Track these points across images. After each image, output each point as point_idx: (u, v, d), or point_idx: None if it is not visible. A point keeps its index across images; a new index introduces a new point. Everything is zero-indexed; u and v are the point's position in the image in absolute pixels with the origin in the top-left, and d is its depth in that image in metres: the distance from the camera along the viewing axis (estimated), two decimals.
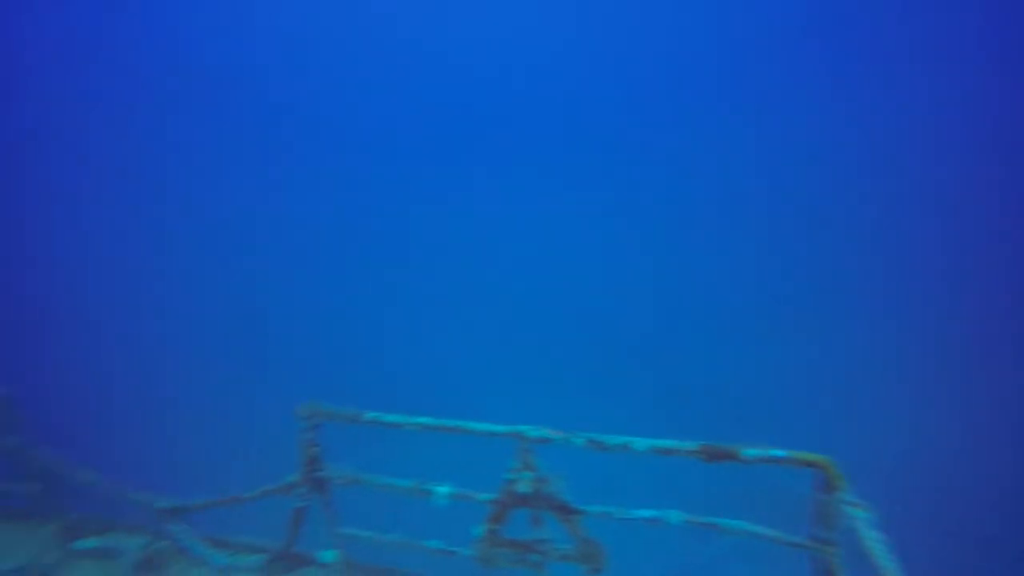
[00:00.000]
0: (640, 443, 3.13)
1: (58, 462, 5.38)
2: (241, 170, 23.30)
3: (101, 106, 23.22)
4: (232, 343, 16.83)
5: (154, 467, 7.66)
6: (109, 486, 5.23)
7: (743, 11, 24.40)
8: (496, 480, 3.68)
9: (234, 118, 24.37)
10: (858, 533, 2.53)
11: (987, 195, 18.59)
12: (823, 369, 15.01)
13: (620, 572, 3.67)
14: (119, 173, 22.18)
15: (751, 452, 2.90)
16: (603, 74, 25.98)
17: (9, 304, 16.85)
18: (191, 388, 14.35)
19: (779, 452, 2.83)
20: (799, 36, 23.51)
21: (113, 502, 5.31)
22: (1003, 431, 12.04)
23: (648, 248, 20.51)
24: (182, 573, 4.93)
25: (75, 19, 23.85)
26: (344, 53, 26.75)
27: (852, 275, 18.32)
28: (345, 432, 4.11)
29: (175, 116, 23.70)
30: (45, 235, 20.30)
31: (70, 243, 20.15)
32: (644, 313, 18.20)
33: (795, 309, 17.31)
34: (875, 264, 18.48)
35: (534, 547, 3.60)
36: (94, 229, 20.63)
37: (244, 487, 4.77)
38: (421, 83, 26.63)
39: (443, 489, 3.82)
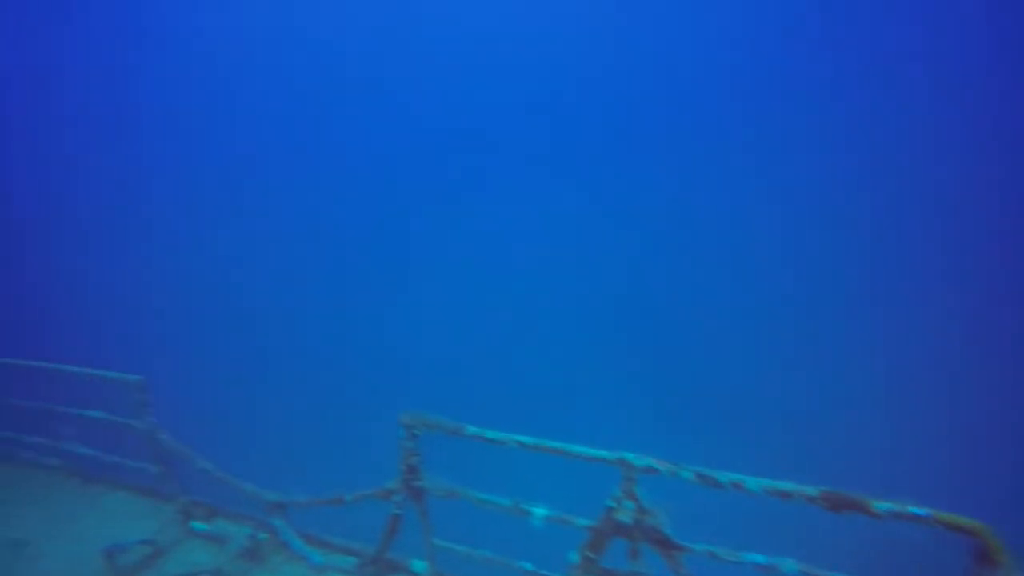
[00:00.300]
0: (754, 483, 2.96)
1: (178, 447, 5.81)
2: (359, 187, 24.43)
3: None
4: (342, 347, 17.85)
5: (261, 461, 8.14)
6: (221, 475, 5.57)
7: (744, 12, 23.89)
8: (592, 505, 3.61)
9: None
10: None
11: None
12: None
13: None
14: (266, 175, 23.91)
15: (884, 506, 2.65)
16: (604, 78, 25.92)
17: (148, 297, 18.92)
18: (303, 388, 15.30)
19: (920, 510, 2.56)
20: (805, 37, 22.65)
21: (223, 490, 5.65)
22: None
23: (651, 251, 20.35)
24: (281, 566, 5.15)
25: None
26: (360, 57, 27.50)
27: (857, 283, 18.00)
28: (440, 439, 4.20)
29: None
30: (179, 238, 22.35)
31: (208, 248, 22.14)
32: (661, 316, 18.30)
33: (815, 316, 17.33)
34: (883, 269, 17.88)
35: None
36: (231, 233, 22.43)
37: (344, 489, 4.95)
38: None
39: (541, 511, 3.78)
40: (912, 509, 2.56)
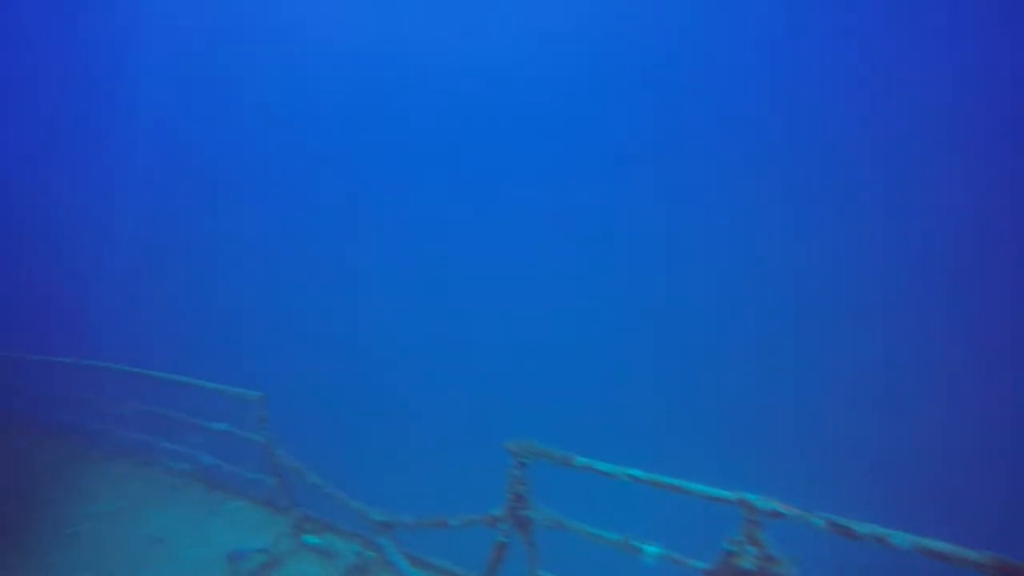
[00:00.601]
0: (901, 538, 2.71)
1: (292, 462, 6.11)
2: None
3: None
4: (452, 375, 18.63)
5: (369, 479, 8.43)
6: (331, 491, 5.79)
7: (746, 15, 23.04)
8: (707, 545, 3.44)
9: None
10: None
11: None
12: None
13: None
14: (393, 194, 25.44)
15: None
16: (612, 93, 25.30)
17: (269, 315, 20.58)
18: (412, 412, 16.06)
19: None
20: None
21: (333, 506, 5.87)
22: None
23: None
24: None
25: None
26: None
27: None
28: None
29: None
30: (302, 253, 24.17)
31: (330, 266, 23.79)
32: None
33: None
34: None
35: None
36: (350, 265, 24.00)
37: (449, 512, 5.00)
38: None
39: (653, 549, 3.63)
40: None
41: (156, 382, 7.31)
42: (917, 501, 12.36)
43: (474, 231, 24.55)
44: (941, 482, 13.32)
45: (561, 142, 25.12)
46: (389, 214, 25.47)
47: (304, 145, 27.37)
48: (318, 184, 26.35)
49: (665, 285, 20.83)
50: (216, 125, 27.32)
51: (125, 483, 7.38)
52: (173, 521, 6.44)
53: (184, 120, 27.33)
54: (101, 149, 26.12)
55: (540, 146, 25.51)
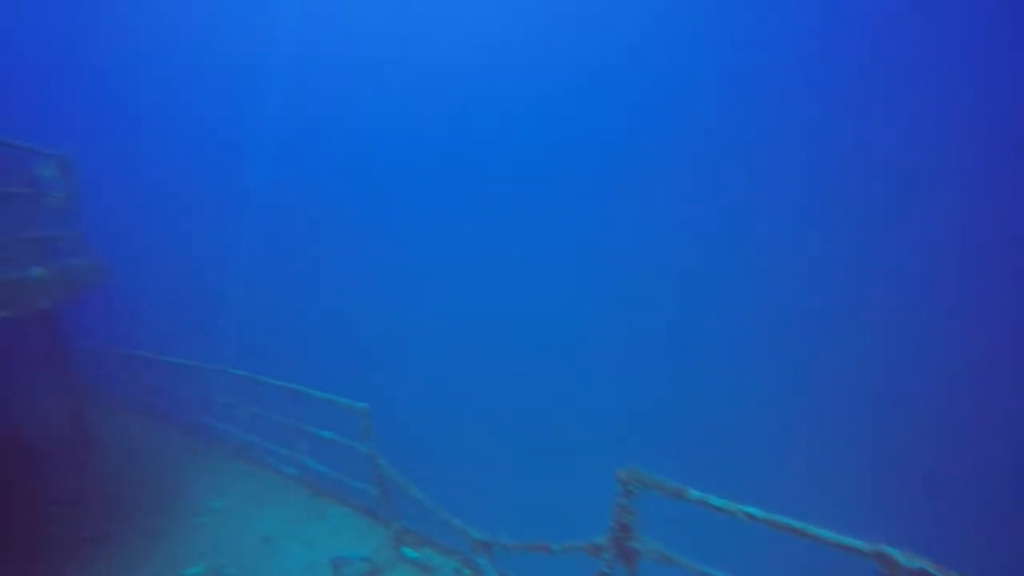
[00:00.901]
0: None
1: (394, 474, 6.25)
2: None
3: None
4: (559, 401, 18.94)
5: (468, 497, 8.52)
6: (431, 506, 5.86)
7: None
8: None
9: None
10: None
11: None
12: None
13: None
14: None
15: None
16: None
17: (372, 333, 21.74)
18: (516, 434, 16.45)
19: None
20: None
21: (432, 521, 5.94)
22: None
23: None
24: None
25: None
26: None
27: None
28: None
29: None
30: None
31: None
32: None
33: None
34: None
35: None
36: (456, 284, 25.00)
37: (548, 536, 4.93)
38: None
39: None
40: None
41: (270, 388, 7.76)
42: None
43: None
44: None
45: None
46: (506, 234, 26.24)
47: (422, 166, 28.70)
48: (434, 204, 27.50)
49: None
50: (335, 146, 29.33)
51: (241, 481, 7.86)
52: (280, 521, 6.76)
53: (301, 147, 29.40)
54: (234, 172, 28.48)
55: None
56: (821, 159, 21.62)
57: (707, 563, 3.82)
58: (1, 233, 5.94)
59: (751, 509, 3.51)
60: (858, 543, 3.03)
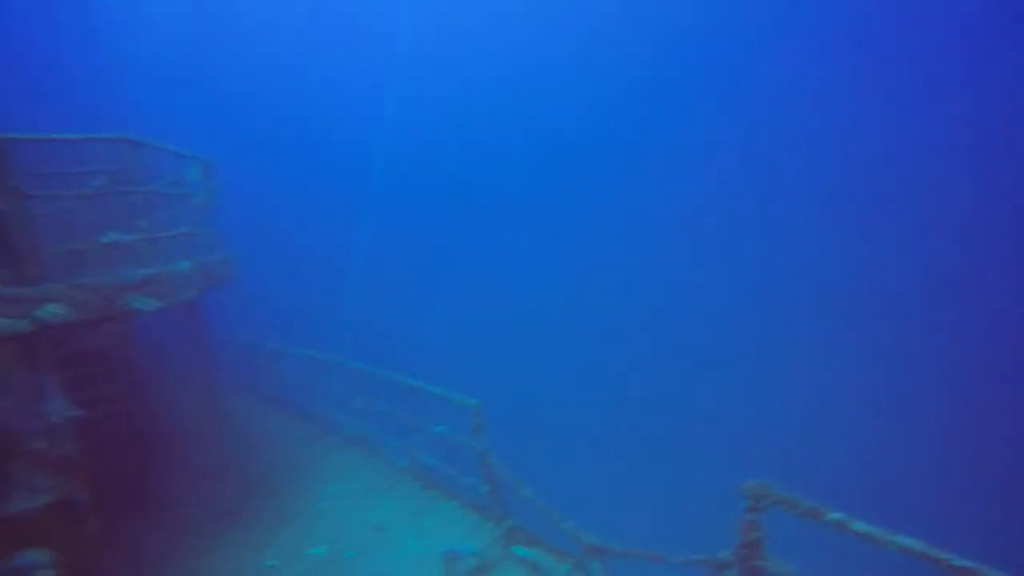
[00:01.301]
0: None
1: (506, 471, 6.26)
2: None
3: None
4: (679, 409, 18.98)
5: (581, 500, 8.47)
6: (543, 507, 5.81)
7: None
8: None
9: None
10: None
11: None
12: None
13: None
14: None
15: None
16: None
17: (484, 329, 22.45)
18: (634, 440, 16.64)
19: None
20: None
21: (542, 522, 5.89)
22: None
23: None
24: None
25: None
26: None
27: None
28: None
29: None
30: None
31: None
32: None
33: None
34: None
35: None
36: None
37: (660, 546, 4.75)
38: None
39: None
40: None
41: (385, 382, 8.04)
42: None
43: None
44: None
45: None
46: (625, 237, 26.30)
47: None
48: (555, 207, 27.84)
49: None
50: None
51: (357, 470, 8.22)
52: (394, 512, 6.99)
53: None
54: (365, 180, 30.05)
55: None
56: (821, 159, 21.88)
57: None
58: (158, 230, 6.53)
59: (905, 540, 3.18)
60: None
